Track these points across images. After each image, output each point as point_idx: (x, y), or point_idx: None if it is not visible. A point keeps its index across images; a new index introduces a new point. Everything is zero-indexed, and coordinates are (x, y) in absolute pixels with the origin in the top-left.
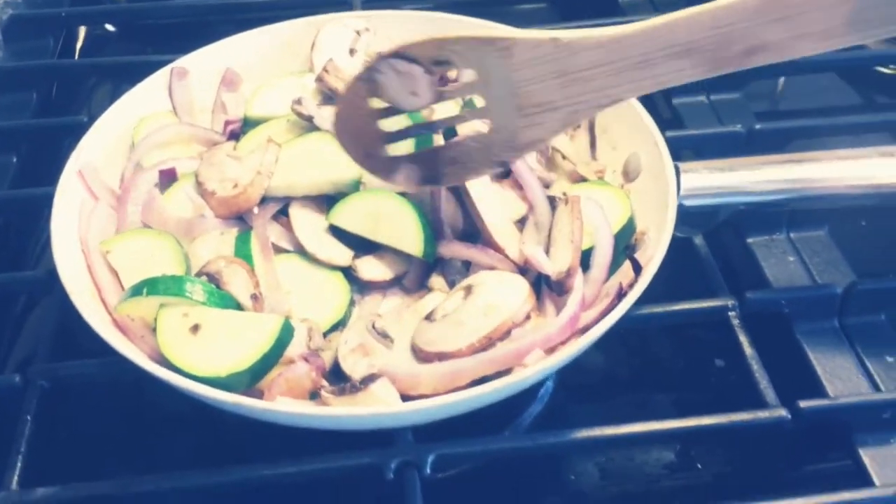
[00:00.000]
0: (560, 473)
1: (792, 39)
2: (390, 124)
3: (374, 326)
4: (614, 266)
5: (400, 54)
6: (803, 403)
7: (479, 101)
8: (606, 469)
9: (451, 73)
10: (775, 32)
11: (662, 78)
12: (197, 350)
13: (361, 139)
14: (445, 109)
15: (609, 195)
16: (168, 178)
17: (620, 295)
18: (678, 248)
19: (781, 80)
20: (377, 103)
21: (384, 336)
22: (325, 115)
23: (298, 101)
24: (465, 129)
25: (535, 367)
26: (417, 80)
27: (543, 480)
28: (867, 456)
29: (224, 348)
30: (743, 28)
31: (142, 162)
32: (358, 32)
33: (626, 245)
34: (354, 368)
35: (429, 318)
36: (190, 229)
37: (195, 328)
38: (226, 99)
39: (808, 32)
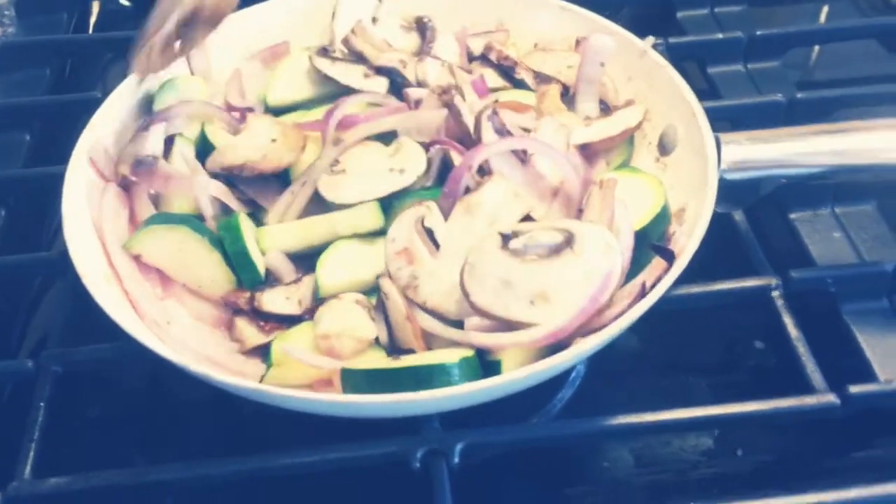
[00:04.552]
0: (593, 460)
1: None
2: None
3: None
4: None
5: None
6: (853, 388)
7: None
8: (642, 455)
9: None
10: None
11: None
12: None
13: None
14: None
15: (642, 183)
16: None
17: (643, 294)
18: (717, 225)
19: (816, 48)
20: None
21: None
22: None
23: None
24: None
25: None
26: None
27: (576, 467)
28: None
29: None
30: None
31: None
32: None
33: (659, 236)
34: (398, 275)
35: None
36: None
37: None
38: (243, 67)
39: None
